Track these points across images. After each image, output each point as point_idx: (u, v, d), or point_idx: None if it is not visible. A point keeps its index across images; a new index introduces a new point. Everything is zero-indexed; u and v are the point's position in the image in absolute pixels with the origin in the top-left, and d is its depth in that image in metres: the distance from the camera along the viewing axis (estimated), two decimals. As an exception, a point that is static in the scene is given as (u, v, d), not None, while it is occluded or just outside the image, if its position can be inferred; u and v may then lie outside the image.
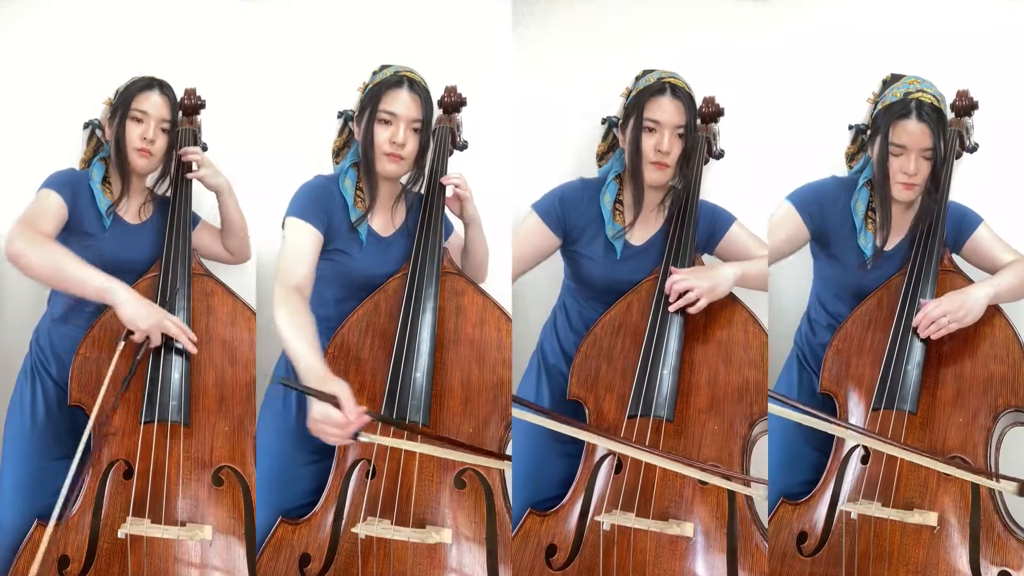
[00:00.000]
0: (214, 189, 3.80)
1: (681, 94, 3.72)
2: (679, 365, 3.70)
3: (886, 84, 3.79)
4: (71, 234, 3.70)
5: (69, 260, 3.57)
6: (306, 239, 3.65)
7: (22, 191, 3.71)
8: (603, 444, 3.64)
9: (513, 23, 3.91)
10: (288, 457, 3.67)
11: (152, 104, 3.74)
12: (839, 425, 3.70)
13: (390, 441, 3.55)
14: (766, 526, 3.68)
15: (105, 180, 3.76)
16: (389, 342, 3.64)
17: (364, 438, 3.48)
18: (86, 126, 3.84)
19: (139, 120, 3.73)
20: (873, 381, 3.73)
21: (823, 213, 3.81)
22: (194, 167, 3.78)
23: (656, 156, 3.72)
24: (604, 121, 3.86)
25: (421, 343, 3.63)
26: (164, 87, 3.77)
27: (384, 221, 3.75)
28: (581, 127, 3.91)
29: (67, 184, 3.71)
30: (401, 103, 3.68)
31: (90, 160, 3.81)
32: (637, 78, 3.79)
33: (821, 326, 3.87)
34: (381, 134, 3.68)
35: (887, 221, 3.76)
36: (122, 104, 3.73)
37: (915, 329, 3.70)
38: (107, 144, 3.79)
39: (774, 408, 3.61)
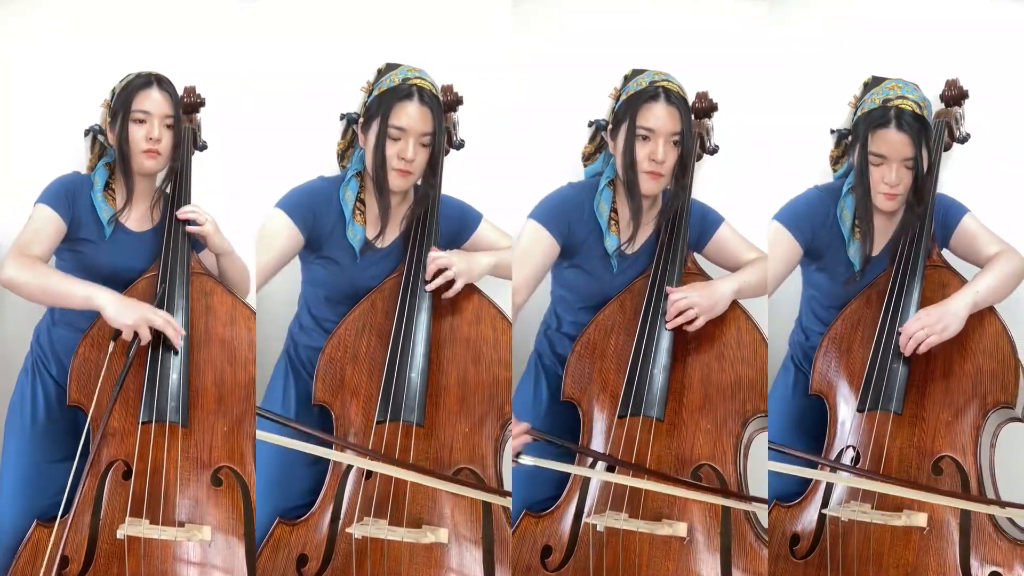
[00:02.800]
0: (216, 251, 3.72)
1: (676, 99, 3.64)
2: (671, 363, 3.69)
3: (867, 87, 3.72)
4: (69, 241, 3.67)
5: (54, 277, 3.57)
6: (279, 233, 3.64)
7: (23, 196, 3.70)
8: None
9: (513, 21, 3.90)
10: (287, 457, 3.64)
11: (153, 102, 3.67)
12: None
13: (380, 467, 3.57)
14: (764, 525, 3.68)
15: (108, 186, 3.71)
16: (386, 341, 3.65)
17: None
18: (87, 133, 3.77)
19: (142, 121, 3.66)
20: (860, 382, 3.71)
21: (813, 230, 3.75)
22: (196, 222, 3.69)
23: (651, 166, 3.64)
24: (591, 124, 3.80)
25: (416, 343, 3.64)
26: (162, 82, 3.69)
27: (390, 234, 3.74)
28: (580, 127, 3.85)
29: (65, 195, 3.65)
30: (411, 117, 3.62)
31: (95, 166, 3.74)
32: (627, 78, 3.71)
33: (814, 332, 3.85)
34: (390, 149, 3.63)
35: (871, 231, 3.71)
36: (122, 106, 3.66)
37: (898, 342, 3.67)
38: (111, 148, 3.72)
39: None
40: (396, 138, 3.62)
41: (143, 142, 3.67)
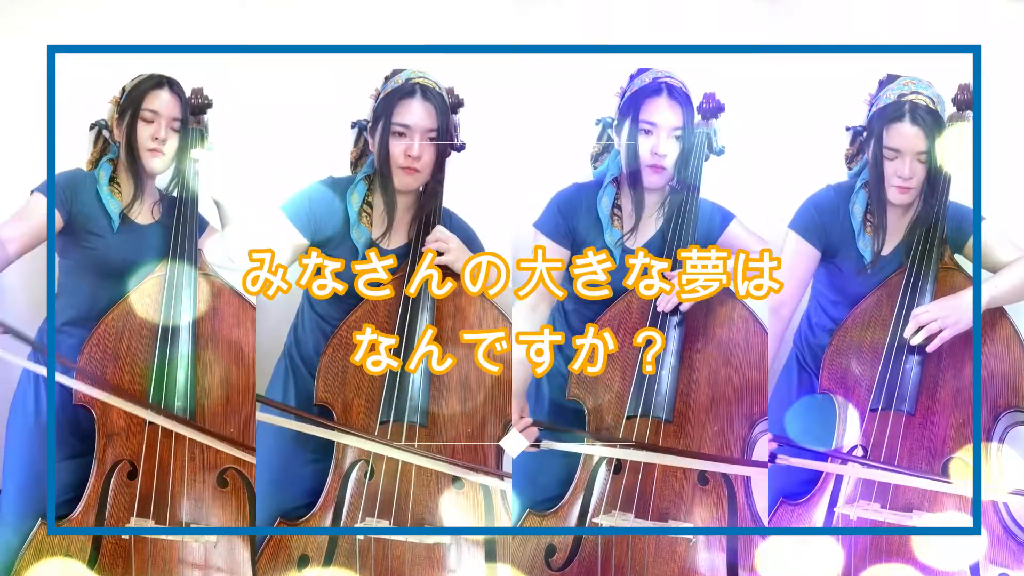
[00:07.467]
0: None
1: (678, 95, 3.68)
2: (679, 365, 3.69)
3: (882, 84, 3.73)
4: (74, 236, 3.70)
5: None
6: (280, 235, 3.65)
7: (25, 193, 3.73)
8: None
9: (514, 22, 3.91)
10: (288, 457, 3.67)
11: (162, 103, 3.71)
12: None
13: (386, 450, 3.59)
14: (766, 525, 3.67)
15: (113, 181, 3.75)
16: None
17: None
18: (92, 127, 3.80)
19: (149, 120, 3.71)
20: (872, 381, 3.70)
21: (827, 229, 3.77)
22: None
23: (653, 159, 3.69)
24: (598, 122, 3.83)
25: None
26: (173, 85, 3.73)
27: (396, 235, 3.74)
28: (582, 127, 3.86)
29: (63, 187, 3.68)
30: (414, 114, 3.64)
31: (97, 161, 3.78)
32: (632, 76, 3.75)
33: (821, 328, 3.84)
34: (396, 147, 3.65)
35: (884, 225, 3.73)
36: (131, 104, 3.71)
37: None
38: (115, 144, 3.77)
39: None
40: (401, 133, 3.64)
41: (149, 141, 3.71)
